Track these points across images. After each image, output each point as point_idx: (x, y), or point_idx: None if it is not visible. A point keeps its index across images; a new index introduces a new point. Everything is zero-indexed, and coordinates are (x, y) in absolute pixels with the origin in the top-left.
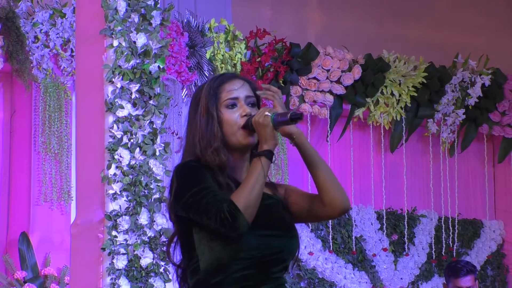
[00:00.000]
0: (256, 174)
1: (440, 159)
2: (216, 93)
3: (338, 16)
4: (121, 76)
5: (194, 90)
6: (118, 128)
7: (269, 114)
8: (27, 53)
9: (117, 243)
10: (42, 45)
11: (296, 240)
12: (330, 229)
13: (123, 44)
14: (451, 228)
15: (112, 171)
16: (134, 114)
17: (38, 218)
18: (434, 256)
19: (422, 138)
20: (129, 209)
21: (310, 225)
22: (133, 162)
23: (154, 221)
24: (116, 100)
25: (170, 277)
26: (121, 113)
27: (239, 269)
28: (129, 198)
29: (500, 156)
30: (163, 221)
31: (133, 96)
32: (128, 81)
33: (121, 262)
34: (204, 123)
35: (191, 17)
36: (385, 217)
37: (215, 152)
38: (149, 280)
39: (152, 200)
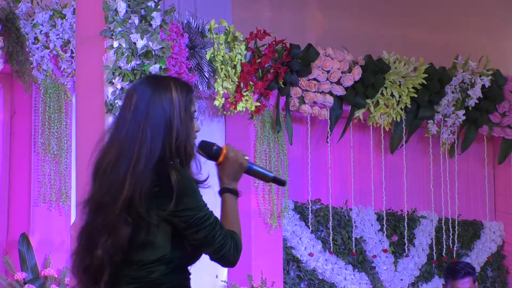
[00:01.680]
0: (237, 212)
1: (440, 160)
2: (190, 100)
3: (338, 17)
4: (121, 77)
5: (194, 91)
6: None
7: (247, 158)
8: (27, 54)
9: None
10: (42, 46)
11: None
12: (331, 230)
13: (123, 45)
14: (451, 229)
15: None
16: None
17: (38, 219)
18: (434, 257)
19: (422, 139)
20: None
21: (310, 226)
22: None
23: None
24: (116, 101)
25: None
26: None
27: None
28: None
29: (500, 157)
30: None
31: None
32: (128, 82)
33: None
34: (186, 123)
35: (191, 18)
36: (385, 218)
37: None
38: None
39: None
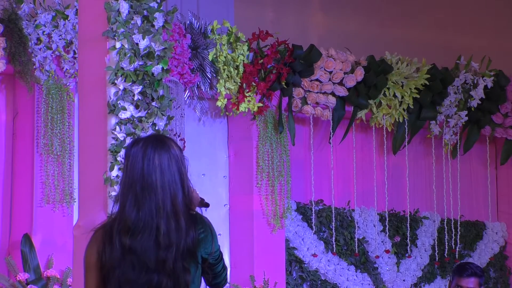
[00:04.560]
0: None
1: (443, 161)
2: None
3: (341, 18)
4: (123, 78)
5: (196, 92)
6: (120, 130)
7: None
8: (29, 55)
9: None
10: (44, 47)
11: None
12: (333, 231)
13: (126, 46)
14: (453, 230)
15: (114, 173)
16: (136, 116)
17: (40, 220)
18: (436, 258)
19: (424, 140)
20: None
21: (313, 227)
22: None
23: None
24: (118, 102)
25: None
26: (123, 115)
27: None
28: None
29: (503, 158)
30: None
31: (135, 98)
32: (130, 83)
33: None
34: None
35: (193, 19)
36: (387, 219)
37: None
38: None
39: None
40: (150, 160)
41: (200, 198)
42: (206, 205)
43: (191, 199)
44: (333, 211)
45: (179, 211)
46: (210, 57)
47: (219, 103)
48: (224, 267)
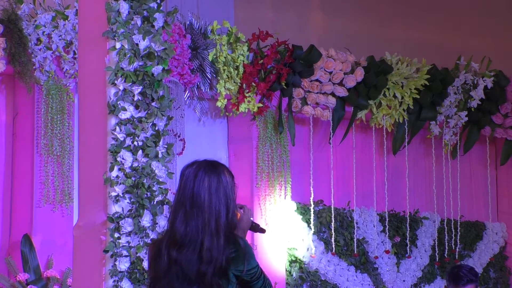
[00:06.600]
0: None
1: (443, 161)
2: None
3: (341, 18)
4: (123, 78)
5: (196, 92)
6: (120, 130)
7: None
8: (29, 55)
9: (120, 245)
10: (44, 47)
11: None
12: (333, 231)
13: (126, 46)
14: (453, 230)
15: (114, 173)
16: (136, 116)
17: (40, 220)
18: (436, 259)
19: (424, 140)
20: (132, 211)
21: (312, 227)
22: (135, 164)
23: (157, 223)
24: (118, 102)
25: None
26: (123, 115)
27: None
28: (131, 200)
29: (503, 158)
30: (165, 223)
31: (135, 98)
32: (130, 83)
33: (123, 264)
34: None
35: (193, 19)
36: (387, 219)
37: None
38: None
39: (155, 202)
40: (200, 181)
41: (254, 223)
42: (262, 231)
43: (232, 221)
44: (333, 212)
45: (220, 230)
46: (210, 58)
47: (219, 104)
48: (265, 285)
